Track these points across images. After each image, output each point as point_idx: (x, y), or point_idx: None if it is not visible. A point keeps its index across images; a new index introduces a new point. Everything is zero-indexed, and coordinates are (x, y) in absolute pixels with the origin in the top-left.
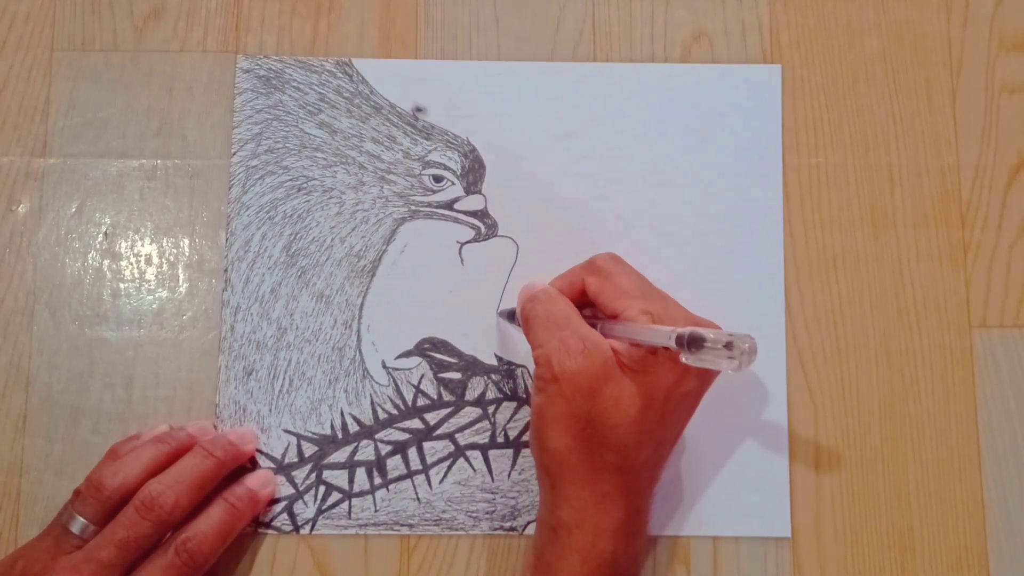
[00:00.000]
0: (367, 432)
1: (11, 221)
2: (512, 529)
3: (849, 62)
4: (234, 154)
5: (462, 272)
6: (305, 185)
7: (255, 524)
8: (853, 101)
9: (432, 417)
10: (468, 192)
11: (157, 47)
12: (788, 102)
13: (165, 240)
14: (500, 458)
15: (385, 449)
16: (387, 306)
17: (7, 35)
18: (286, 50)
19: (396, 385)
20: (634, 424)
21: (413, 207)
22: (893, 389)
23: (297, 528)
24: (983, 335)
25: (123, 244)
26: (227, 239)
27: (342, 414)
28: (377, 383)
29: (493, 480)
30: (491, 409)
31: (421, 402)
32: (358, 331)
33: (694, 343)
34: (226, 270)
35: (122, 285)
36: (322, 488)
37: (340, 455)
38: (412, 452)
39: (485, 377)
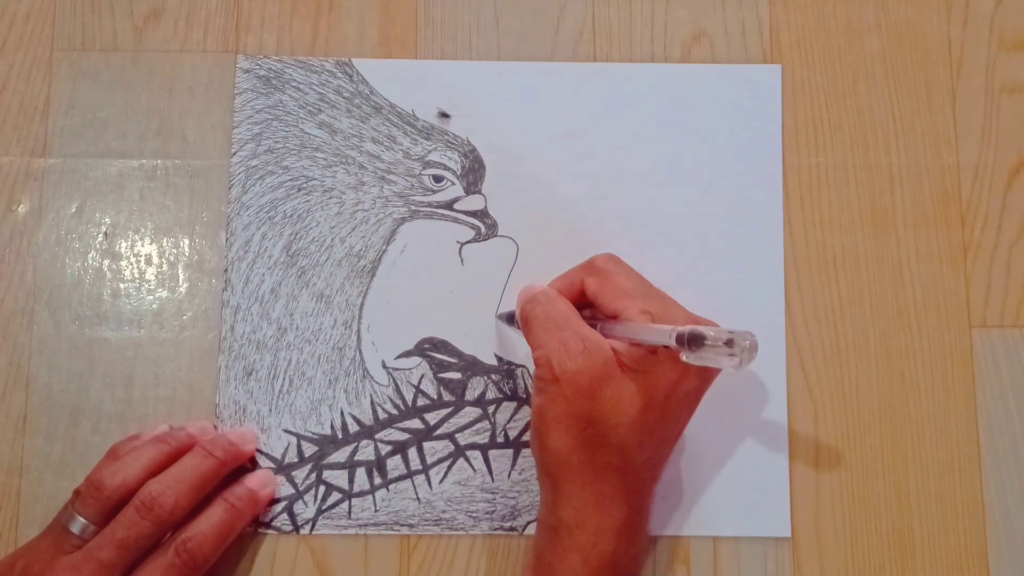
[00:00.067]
0: (367, 432)
1: (11, 221)
2: (512, 529)
3: (849, 62)
4: (234, 154)
5: (462, 272)
6: (305, 185)
7: (255, 524)
8: (853, 101)
9: (432, 417)
10: (468, 192)
11: (157, 47)
12: (788, 102)
13: (165, 240)
14: (500, 458)
15: (385, 449)
16: (387, 306)
17: (7, 35)
18: (286, 50)
19: (396, 385)
20: (635, 424)
21: (413, 207)
22: (893, 389)
23: (297, 528)
24: (983, 335)
25: (123, 244)
26: (227, 239)
27: (342, 414)
28: (377, 383)
29: (493, 480)
30: (491, 409)
31: (421, 402)
32: (358, 331)
33: (694, 341)
34: (226, 270)
35: (122, 285)
36: (322, 488)
37: (340, 455)
38: (412, 452)
39: (485, 377)
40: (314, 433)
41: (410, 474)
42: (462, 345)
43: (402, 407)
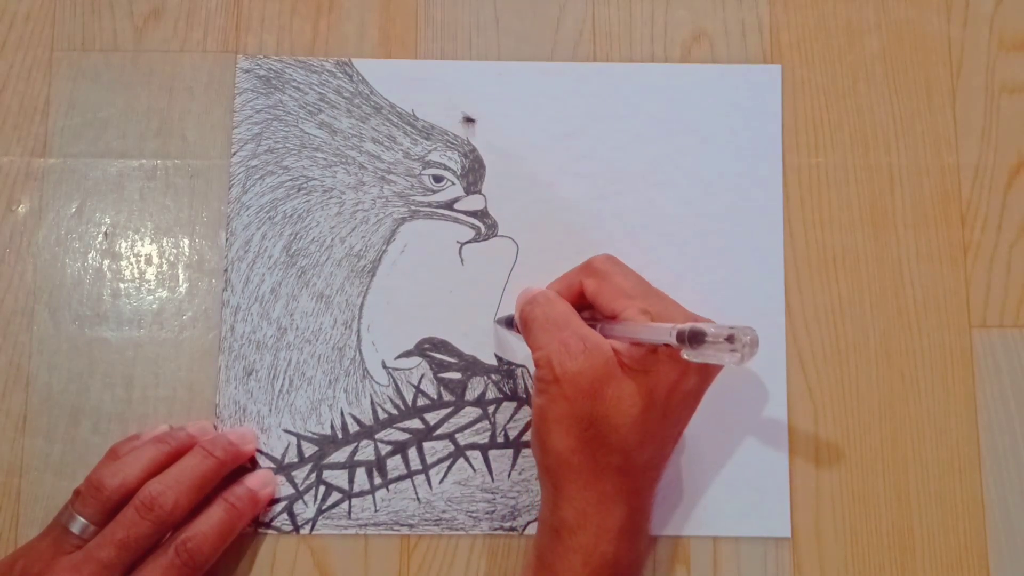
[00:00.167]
0: (367, 432)
1: (11, 221)
2: (512, 529)
3: (849, 62)
4: (234, 154)
5: (462, 272)
6: (305, 185)
7: (255, 524)
8: (853, 101)
9: (432, 417)
10: (468, 192)
11: (157, 47)
12: (788, 102)
13: (165, 240)
14: (500, 458)
15: (385, 449)
16: (387, 306)
17: (7, 35)
18: (286, 50)
19: (396, 385)
20: (636, 424)
21: (413, 207)
22: (893, 389)
23: (297, 528)
24: (983, 335)
25: (123, 244)
26: (227, 239)
27: (342, 414)
28: (377, 383)
29: (493, 480)
30: (491, 409)
31: (421, 402)
32: (358, 331)
33: (695, 338)
34: (226, 270)
35: (122, 285)
36: (322, 488)
37: (340, 455)
38: (412, 452)
39: (485, 377)
40: (314, 433)
41: (410, 474)
42: (462, 345)
43: (402, 407)
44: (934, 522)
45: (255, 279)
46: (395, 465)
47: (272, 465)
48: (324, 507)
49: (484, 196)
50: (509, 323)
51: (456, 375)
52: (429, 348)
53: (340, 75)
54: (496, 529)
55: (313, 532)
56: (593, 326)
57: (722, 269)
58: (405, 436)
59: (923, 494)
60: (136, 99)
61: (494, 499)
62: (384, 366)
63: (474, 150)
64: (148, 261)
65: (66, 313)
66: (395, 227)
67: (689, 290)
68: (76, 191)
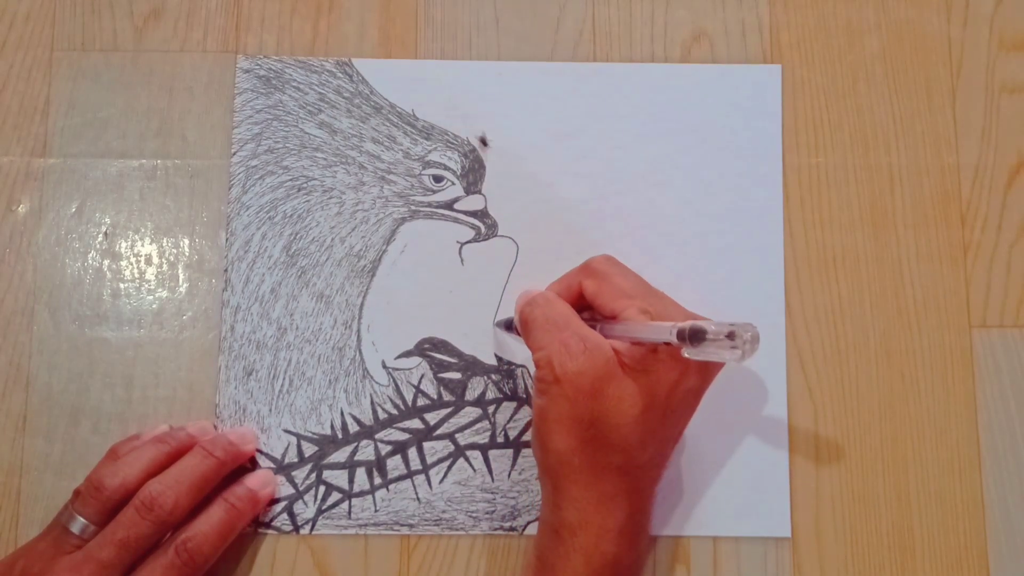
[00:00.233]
0: (367, 432)
1: (11, 221)
2: (512, 529)
3: (849, 62)
4: (234, 154)
5: (462, 272)
6: (305, 185)
7: (255, 524)
8: (853, 101)
9: (432, 417)
10: (468, 192)
11: (157, 47)
12: (788, 102)
13: (165, 240)
14: (500, 458)
15: (385, 449)
16: (387, 306)
17: (7, 35)
18: (286, 50)
19: (396, 385)
20: (637, 424)
21: (413, 207)
22: (893, 389)
23: (297, 528)
24: (983, 335)
25: (123, 244)
26: (227, 239)
27: (342, 414)
28: (377, 383)
29: (493, 480)
30: (491, 409)
31: (421, 402)
32: (358, 331)
33: (696, 336)
34: (226, 270)
35: (122, 285)
36: (322, 488)
37: (340, 455)
38: (412, 452)
39: (485, 377)
40: (314, 433)
41: (410, 474)
42: (462, 345)
43: (402, 407)
44: (934, 522)
45: (255, 279)
46: (395, 465)
47: (272, 465)
48: (324, 507)
49: (484, 196)
50: (508, 326)
51: (456, 375)
52: (429, 348)
53: (340, 75)
54: (496, 529)
55: (313, 532)
56: (593, 327)
57: (722, 269)
58: (405, 436)
59: (923, 494)
60: (136, 99)
61: (494, 499)
62: (384, 366)
63: (474, 150)
64: (148, 261)
65: (66, 313)
66: (395, 227)
67: (689, 290)
68: (76, 191)
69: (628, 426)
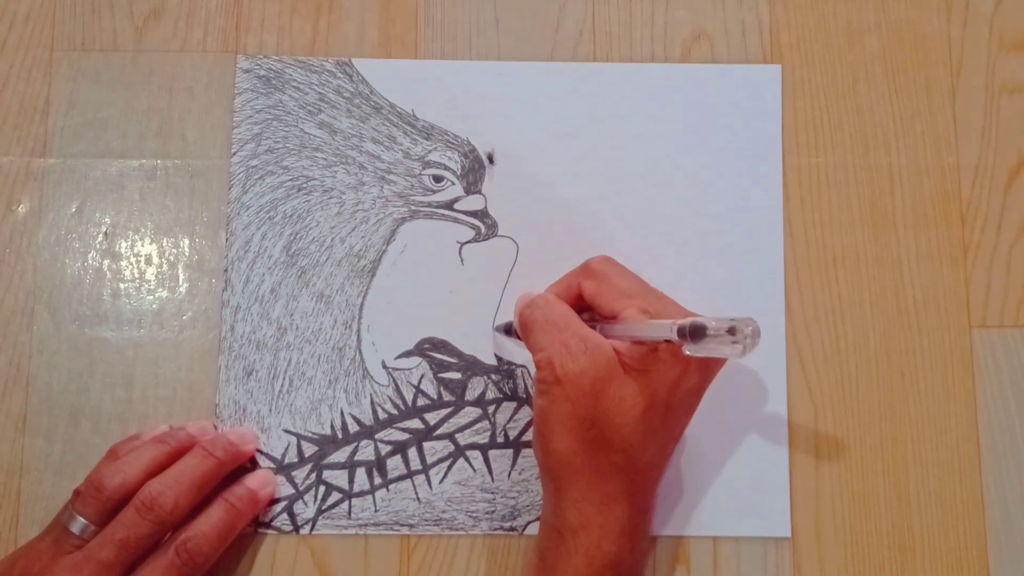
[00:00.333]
0: (367, 432)
1: (11, 221)
2: (512, 529)
3: (849, 62)
4: (234, 154)
5: (462, 272)
6: (305, 185)
7: (255, 524)
8: (853, 101)
9: (432, 417)
10: (468, 192)
11: (157, 47)
12: (788, 102)
13: (165, 240)
14: (500, 458)
15: (385, 449)
16: (387, 306)
17: (7, 35)
18: (286, 50)
19: (396, 385)
20: (638, 424)
21: (413, 207)
22: (893, 389)
23: (297, 528)
24: (983, 335)
25: (123, 244)
26: (227, 239)
27: (342, 414)
28: (377, 383)
29: (493, 480)
30: (491, 409)
31: (421, 402)
32: (358, 331)
33: (696, 333)
34: (226, 270)
35: (122, 285)
36: (322, 488)
37: (340, 455)
38: (412, 452)
39: (485, 377)
40: (314, 433)
41: (410, 474)
42: (462, 345)
43: (402, 407)
44: (934, 522)
45: (255, 279)
46: (395, 465)
47: (272, 465)
48: (324, 507)
49: (484, 196)
50: (508, 330)
51: (456, 375)
52: (429, 348)
53: (340, 75)
54: (496, 529)
55: (313, 532)
56: (593, 327)
57: (722, 269)
58: (405, 436)
59: (923, 494)
60: (136, 99)
61: (494, 499)
62: (384, 366)
63: (474, 150)
64: (148, 261)
65: (66, 313)
66: (395, 227)
67: (689, 290)
68: (76, 191)
69: (629, 426)
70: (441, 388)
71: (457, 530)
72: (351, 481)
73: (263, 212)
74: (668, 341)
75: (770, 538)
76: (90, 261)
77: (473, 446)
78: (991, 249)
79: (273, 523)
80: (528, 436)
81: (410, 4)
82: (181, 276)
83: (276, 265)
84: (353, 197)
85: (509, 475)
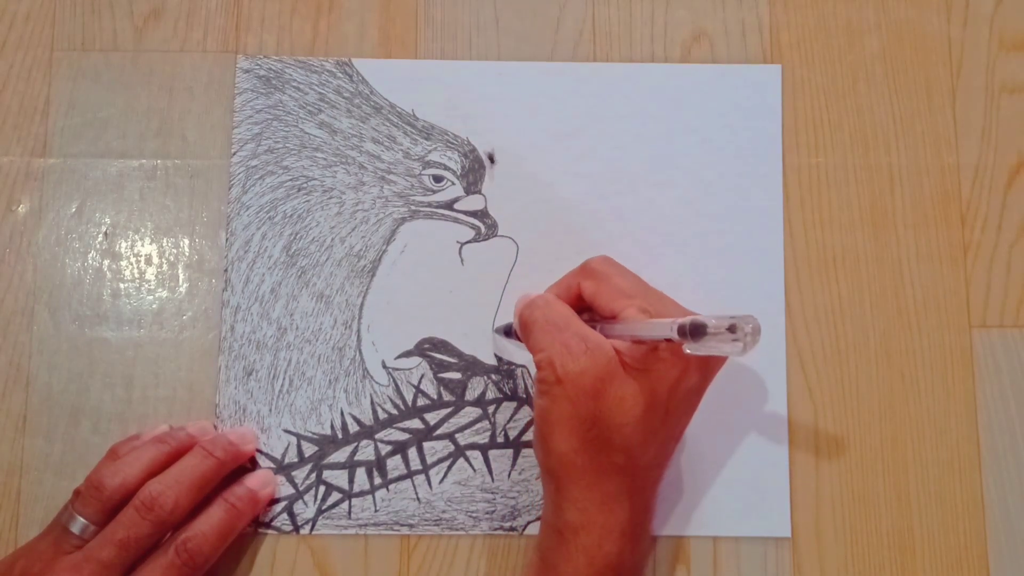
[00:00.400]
0: (367, 432)
1: (11, 221)
2: (512, 529)
3: (849, 62)
4: (234, 154)
5: (462, 272)
6: (305, 185)
7: (255, 524)
8: (853, 101)
9: (432, 417)
10: (468, 192)
11: (157, 47)
12: (788, 102)
13: (165, 240)
14: (500, 458)
15: (385, 449)
16: (387, 306)
17: (7, 35)
18: (286, 50)
19: (396, 385)
20: (639, 424)
21: (413, 207)
22: (893, 389)
23: (297, 528)
24: (983, 335)
25: (123, 244)
26: (227, 239)
27: (342, 414)
28: (377, 383)
29: (493, 480)
30: (491, 409)
31: (421, 402)
32: (358, 331)
33: (696, 331)
34: (226, 270)
35: (122, 285)
36: (322, 488)
37: (340, 455)
38: (412, 452)
39: (485, 377)
40: (314, 433)
41: (410, 474)
42: (462, 345)
43: (402, 407)
44: (934, 522)
45: (255, 279)
46: (395, 465)
47: (272, 465)
48: (324, 507)
49: (484, 196)
50: (507, 332)
51: (456, 375)
52: (429, 348)
53: (340, 75)
54: (496, 529)
55: (313, 532)
56: (593, 327)
57: (722, 269)
58: (405, 436)
59: (923, 494)
60: (136, 99)
61: (494, 499)
62: (384, 366)
63: (474, 150)
64: (148, 261)
65: (66, 313)
66: (395, 227)
67: (689, 290)
68: (76, 191)
69: (630, 426)
70: (441, 388)
71: (457, 530)
72: (351, 481)
73: (263, 212)
74: (668, 340)
75: (770, 538)
76: (90, 261)
77: (473, 446)
78: (991, 249)
79: (273, 523)
80: (528, 436)
81: (410, 4)
82: (181, 276)
83: (276, 265)
84: (353, 197)
85: (509, 475)
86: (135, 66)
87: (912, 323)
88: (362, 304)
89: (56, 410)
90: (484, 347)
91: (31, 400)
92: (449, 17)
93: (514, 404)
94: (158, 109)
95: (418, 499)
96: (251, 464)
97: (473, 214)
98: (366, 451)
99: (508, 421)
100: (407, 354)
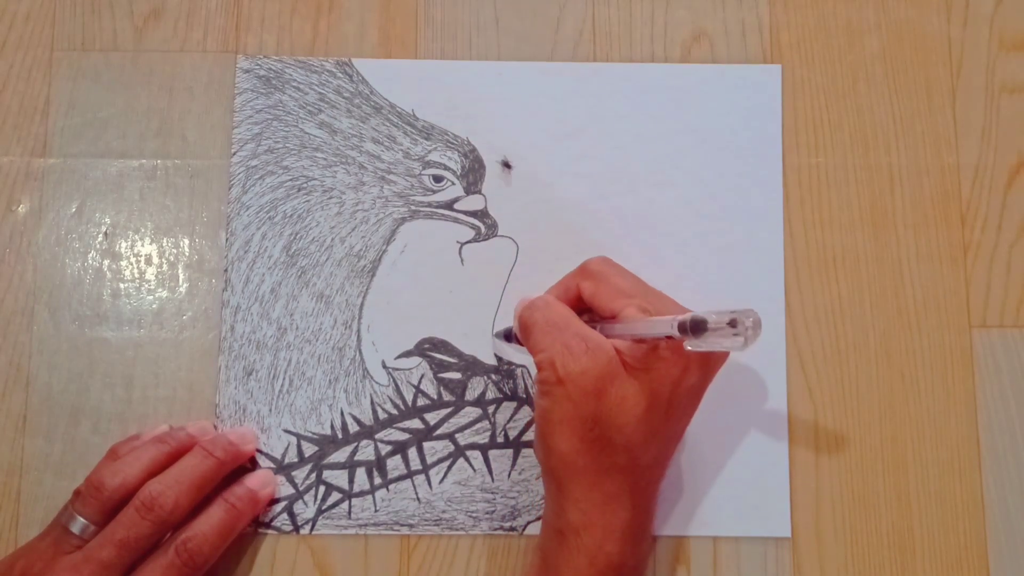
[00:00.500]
0: (367, 432)
1: (11, 221)
2: (512, 529)
3: (849, 62)
4: (234, 154)
5: (462, 272)
6: (305, 185)
7: (255, 524)
8: (853, 101)
9: (432, 417)
10: (468, 192)
11: (157, 47)
12: (788, 102)
13: (165, 240)
14: (500, 458)
15: (385, 449)
16: (387, 306)
17: (7, 35)
18: (286, 50)
19: (396, 385)
20: (640, 423)
21: (413, 207)
22: (893, 389)
23: (297, 528)
24: (983, 335)
25: (123, 244)
26: (227, 239)
27: (342, 414)
28: (377, 383)
29: (493, 480)
30: (491, 409)
31: (421, 402)
32: (358, 331)
33: (697, 327)
34: (226, 270)
35: (122, 285)
36: (322, 488)
37: (340, 455)
38: (412, 452)
39: (485, 377)
40: (314, 433)
41: (410, 474)
42: (462, 345)
43: (402, 407)
44: (934, 522)
45: (255, 279)
46: (395, 465)
47: (272, 465)
48: (324, 507)
49: (484, 196)
50: (508, 336)
51: (456, 375)
52: (429, 348)
53: (340, 75)
54: (496, 529)
55: (313, 532)
56: (593, 327)
57: (722, 269)
58: (405, 436)
59: (923, 494)
60: (136, 99)
61: (494, 499)
62: (384, 366)
63: (474, 150)
64: (148, 261)
65: (66, 313)
66: (395, 227)
67: (689, 290)
68: (76, 191)
69: (631, 425)
70: (441, 388)
71: (457, 530)
72: (351, 481)
73: (263, 212)
74: (669, 337)
75: (770, 538)
76: (90, 261)
77: (473, 446)
78: (991, 249)
79: (273, 523)
80: (528, 436)
81: (410, 4)
82: (181, 276)
83: (276, 265)
84: (353, 197)
85: (509, 475)
86: (135, 66)
87: (912, 323)
88: (362, 304)
89: (56, 410)
90: (484, 347)
91: (31, 400)
92: (449, 17)
93: (514, 404)
94: (158, 109)
95: (418, 499)
96: (251, 464)
97: (473, 214)
98: (366, 451)
99: (508, 421)
100: (407, 354)
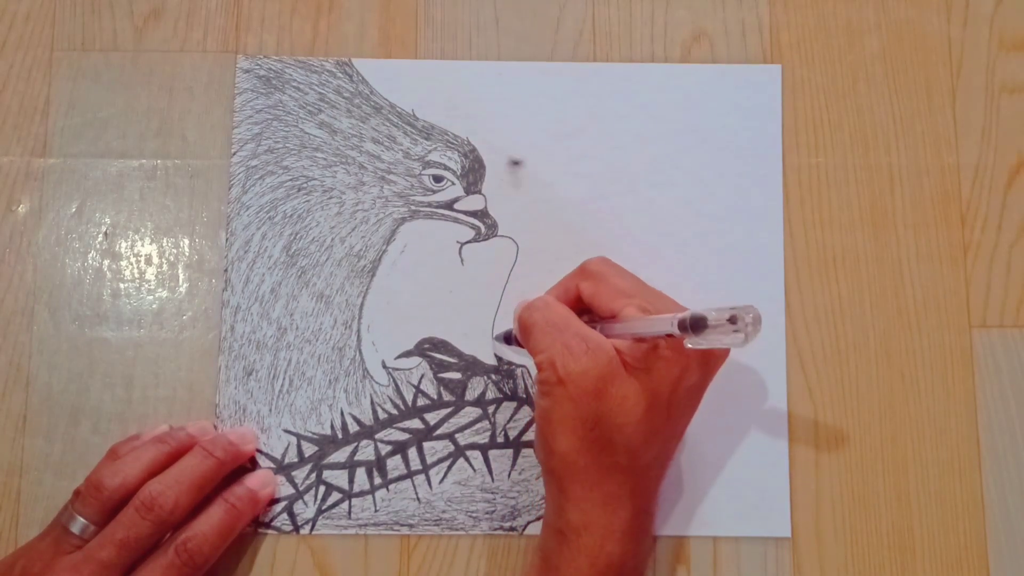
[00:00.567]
0: (367, 432)
1: (11, 221)
2: (512, 529)
3: (849, 62)
4: (234, 154)
5: (462, 272)
6: (305, 185)
7: (255, 524)
8: (853, 101)
9: (432, 417)
10: (468, 192)
11: (157, 47)
12: (788, 102)
13: (165, 240)
14: (500, 458)
15: (385, 449)
16: (387, 306)
17: (7, 35)
18: (286, 50)
19: (396, 385)
20: (641, 423)
21: (413, 207)
22: (893, 389)
23: (297, 528)
24: (983, 335)
25: (123, 244)
26: (227, 239)
27: (342, 414)
28: (377, 383)
29: (493, 480)
30: (491, 409)
31: (421, 402)
32: (358, 331)
33: (697, 324)
34: (226, 270)
35: (122, 285)
36: (322, 488)
37: (340, 455)
38: (412, 452)
39: (485, 377)
40: (314, 433)
41: (410, 474)
42: (462, 345)
43: (402, 407)
44: (934, 522)
45: (255, 279)
46: (395, 465)
47: (272, 465)
48: (324, 507)
49: (484, 196)
50: (507, 339)
51: (456, 375)
52: (429, 348)
53: (340, 75)
54: (496, 529)
55: (313, 532)
56: (593, 327)
57: (722, 269)
58: (405, 436)
59: (923, 494)
60: (136, 99)
61: (494, 499)
62: (384, 366)
63: (474, 150)
64: (148, 261)
65: (66, 313)
66: (395, 227)
67: (689, 290)
68: (76, 191)
69: (632, 425)
70: (441, 388)
71: (457, 530)
72: (351, 481)
73: (263, 212)
74: (670, 336)
75: (770, 538)
76: (90, 261)
77: (473, 446)
78: (991, 249)
79: (273, 523)
80: (528, 436)
81: (410, 4)
82: (181, 276)
83: (276, 265)
84: (353, 197)
85: (509, 475)
86: (135, 66)
87: (912, 323)
88: (362, 304)
89: (56, 410)
90: (484, 347)
91: (31, 400)
92: (449, 17)
93: (514, 404)
94: (158, 109)
95: (418, 499)
96: (251, 464)
97: (473, 214)
98: (366, 451)
99: (508, 421)
100: (407, 354)
